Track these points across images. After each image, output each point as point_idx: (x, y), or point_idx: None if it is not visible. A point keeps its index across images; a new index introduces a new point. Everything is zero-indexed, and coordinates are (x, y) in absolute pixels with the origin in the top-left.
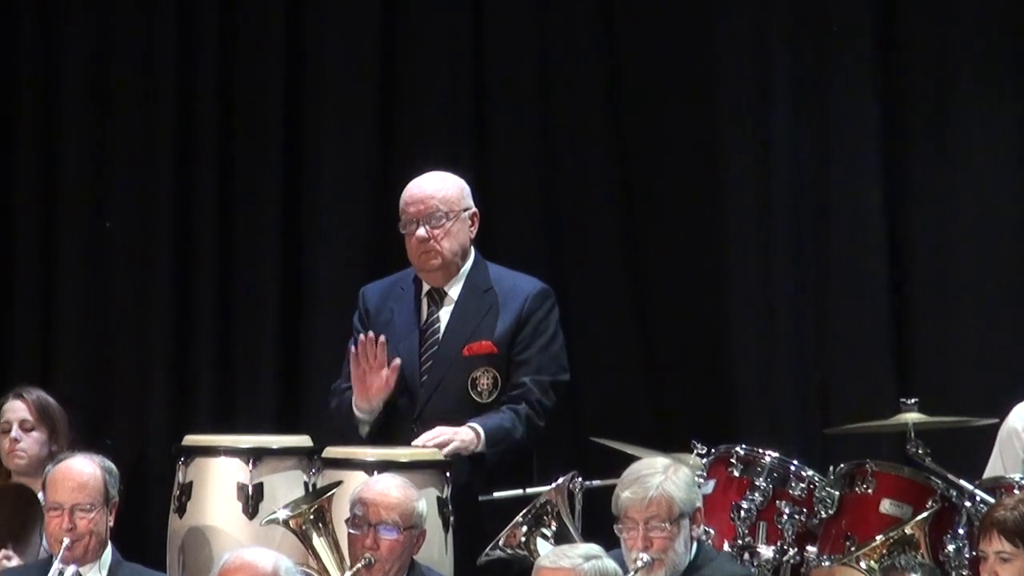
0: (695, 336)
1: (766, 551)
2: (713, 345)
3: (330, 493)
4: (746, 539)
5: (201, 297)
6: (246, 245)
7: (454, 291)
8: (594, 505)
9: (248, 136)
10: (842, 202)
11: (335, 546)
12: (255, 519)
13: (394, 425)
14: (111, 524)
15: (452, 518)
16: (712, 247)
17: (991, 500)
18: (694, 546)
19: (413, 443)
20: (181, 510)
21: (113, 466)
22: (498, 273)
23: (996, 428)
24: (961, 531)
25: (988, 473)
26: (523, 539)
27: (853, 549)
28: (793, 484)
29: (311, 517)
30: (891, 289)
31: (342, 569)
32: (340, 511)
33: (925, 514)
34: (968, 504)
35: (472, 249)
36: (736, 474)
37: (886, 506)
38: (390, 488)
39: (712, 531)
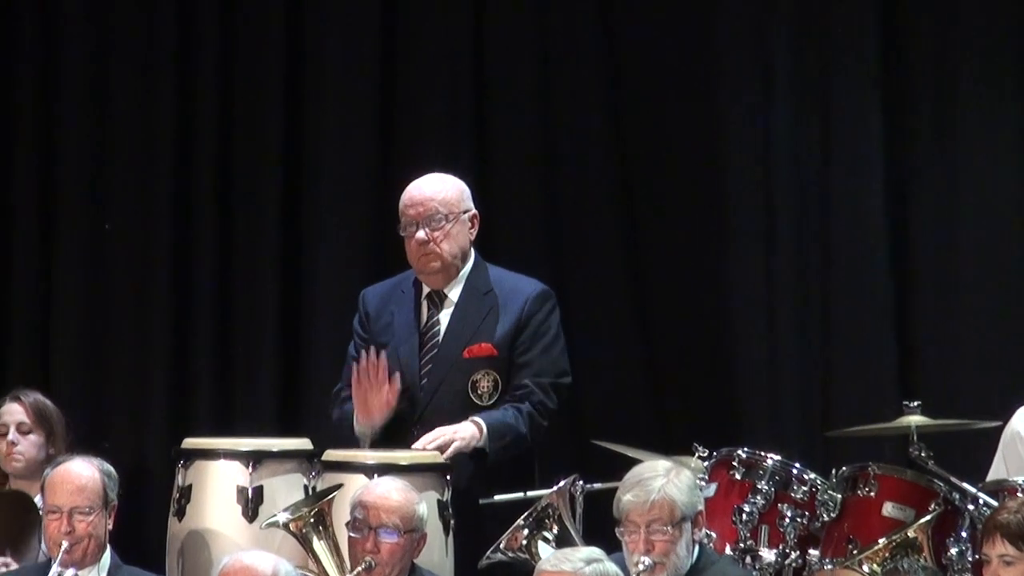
0: (696, 338)
1: (768, 554)
2: (714, 347)
3: (331, 496)
4: (748, 542)
5: (200, 298)
6: (246, 246)
7: (454, 293)
8: (595, 508)
9: (248, 136)
10: (843, 202)
11: (335, 549)
12: (255, 522)
13: (394, 428)
14: (110, 527)
15: (453, 521)
16: (713, 248)
17: (994, 503)
18: (696, 549)
19: (413, 446)
20: (180, 513)
21: (112, 469)
22: (498, 275)
23: (999, 431)
24: (964, 534)
25: (991, 476)
26: (524, 542)
27: (855, 552)
28: (795, 487)
29: (311, 520)
30: (893, 291)
31: (342, 572)
32: (340, 514)
33: (928, 517)
34: (971, 507)
35: (472, 251)
36: (738, 477)
37: (888, 509)
38: (391, 491)
39: (714, 534)
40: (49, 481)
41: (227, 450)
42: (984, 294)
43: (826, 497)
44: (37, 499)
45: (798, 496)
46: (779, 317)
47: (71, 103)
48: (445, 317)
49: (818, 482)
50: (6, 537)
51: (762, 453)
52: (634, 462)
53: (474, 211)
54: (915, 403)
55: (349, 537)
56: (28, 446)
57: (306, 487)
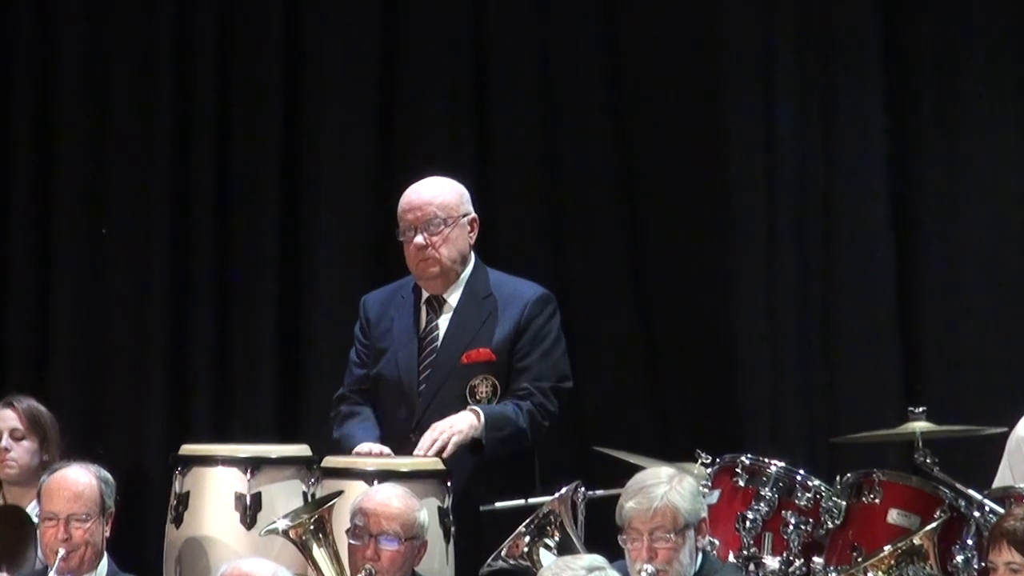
0: (699, 342)
1: (772, 562)
2: (717, 351)
3: (330, 503)
4: (751, 550)
5: (199, 301)
6: (245, 246)
7: (453, 298)
8: (597, 515)
9: (247, 136)
10: (846, 205)
11: (335, 557)
12: (253, 529)
13: (393, 435)
14: (107, 534)
15: (453, 528)
16: (716, 251)
17: (1000, 510)
18: (699, 557)
19: (414, 453)
20: (178, 520)
21: (109, 476)
22: (498, 279)
23: (1005, 437)
24: (970, 541)
25: (997, 483)
26: (526, 549)
27: (860, 560)
28: (799, 494)
29: (311, 527)
30: (898, 295)
31: None
32: (340, 521)
33: (933, 524)
34: (977, 514)
35: (472, 255)
36: (741, 484)
37: (894, 516)
38: (391, 498)
39: (717, 542)
40: (46, 488)
41: (225, 456)
42: (990, 299)
43: (830, 504)
44: (31, 506)
45: (802, 503)
46: (783, 322)
47: (70, 103)
48: (444, 322)
49: (822, 489)
50: (2, 552)
51: (766, 459)
52: (636, 469)
53: (473, 215)
54: (920, 409)
55: (349, 544)
56: (22, 452)
57: (305, 494)
